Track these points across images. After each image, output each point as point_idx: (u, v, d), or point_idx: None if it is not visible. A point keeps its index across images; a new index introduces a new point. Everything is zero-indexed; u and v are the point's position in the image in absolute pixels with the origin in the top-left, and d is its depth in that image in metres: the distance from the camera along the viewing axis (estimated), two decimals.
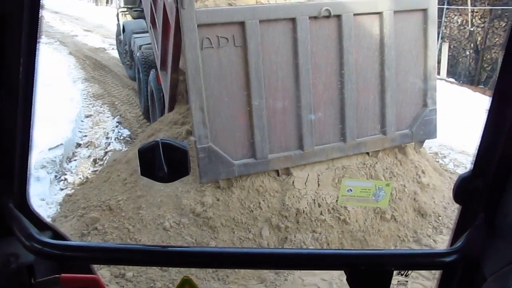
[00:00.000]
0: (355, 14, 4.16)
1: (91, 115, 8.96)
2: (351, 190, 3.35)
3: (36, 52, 1.06)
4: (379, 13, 4.27)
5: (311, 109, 4.14)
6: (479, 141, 1.05)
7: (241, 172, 4.07)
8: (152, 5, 5.73)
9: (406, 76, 4.53)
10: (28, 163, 1.21)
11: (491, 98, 0.99)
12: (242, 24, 3.81)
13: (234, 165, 3.99)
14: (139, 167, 1.32)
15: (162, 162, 1.24)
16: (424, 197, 4.65)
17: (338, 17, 4.10)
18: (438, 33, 7.65)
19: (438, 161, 6.15)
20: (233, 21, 3.83)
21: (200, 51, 3.71)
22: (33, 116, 1.15)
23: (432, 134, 4.79)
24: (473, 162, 1.09)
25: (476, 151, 1.07)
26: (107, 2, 27.51)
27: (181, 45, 4.27)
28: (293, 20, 3.95)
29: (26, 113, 1.12)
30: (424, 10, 4.45)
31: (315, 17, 4.03)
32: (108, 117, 8.86)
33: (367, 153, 4.53)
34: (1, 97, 1.08)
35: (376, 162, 4.56)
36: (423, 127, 4.64)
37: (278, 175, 4.27)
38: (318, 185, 4.28)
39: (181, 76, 5.02)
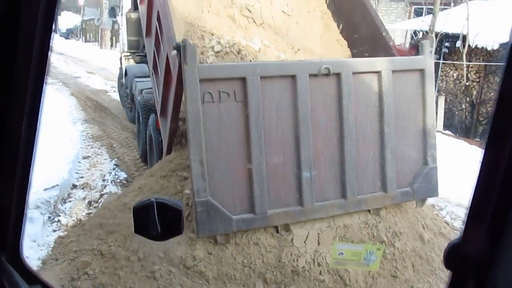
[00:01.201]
0: (354, 73, 4.25)
1: (89, 156, 8.95)
2: (342, 254, 3.33)
3: (43, 90, 1.07)
4: (378, 72, 4.37)
5: (311, 165, 4.12)
6: (469, 207, 1.04)
7: (239, 228, 3.99)
8: (155, 53, 5.87)
9: (405, 133, 4.57)
10: (24, 217, 1.21)
11: (479, 167, 1.00)
12: (243, 79, 3.88)
13: (232, 220, 3.92)
14: (133, 225, 1.32)
15: (156, 221, 1.25)
16: (425, 254, 4.60)
17: (338, 75, 4.18)
18: (435, 87, 7.83)
19: (436, 213, 6.13)
20: (234, 76, 3.90)
21: (201, 105, 3.74)
22: (31, 175, 1.16)
23: (433, 192, 4.77)
24: (463, 229, 1.08)
25: (466, 218, 1.06)
26: (111, 46, 28.16)
27: (181, 97, 4.33)
28: (293, 77, 4.03)
29: (24, 171, 1.13)
30: (421, 70, 4.56)
31: (315, 75, 4.11)
32: (105, 159, 8.85)
33: (369, 210, 4.49)
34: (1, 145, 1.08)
35: (379, 222, 4.50)
36: (424, 185, 4.62)
37: (277, 231, 4.19)
38: (319, 243, 4.19)
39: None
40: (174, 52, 4.01)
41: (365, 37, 5.56)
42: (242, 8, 5.68)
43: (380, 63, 4.44)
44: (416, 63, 4.60)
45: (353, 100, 4.25)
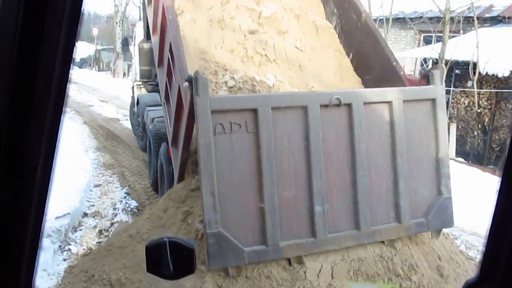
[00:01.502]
0: (365, 103, 4.25)
1: (100, 184, 8.99)
2: None
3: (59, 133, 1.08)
4: (389, 102, 4.37)
5: (324, 195, 4.08)
6: (485, 243, 1.00)
7: (251, 260, 3.91)
8: (167, 84, 5.93)
9: (418, 163, 4.52)
10: (38, 252, 1.20)
11: (496, 198, 0.97)
12: (254, 111, 3.89)
13: (244, 252, 3.86)
14: (145, 263, 1.30)
15: (168, 261, 1.25)
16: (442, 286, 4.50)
17: (349, 105, 4.18)
18: (446, 115, 7.80)
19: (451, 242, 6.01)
20: (245, 108, 3.92)
21: (213, 137, 3.75)
22: (47, 207, 1.16)
23: (448, 223, 4.67)
24: (480, 266, 1.03)
25: (482, 254, 1.02)
26: (124, 75, 28.65)
27: (193, 128, 4.35)
28: (304, 108, 4.04)
29: (40, 205, 1.13)
30: (433, 100, 4.55)
31: (326, 106, 4.12)
32: (116, 187, 8.88)
33: (383, 242, 4.40)
34: (16, 195, 1.08)
35: (395, 254, 4.39)
36: (439, 215, 4.55)
37: (290, 264, 4.11)
38: (332, 277, 4.10)
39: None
40: (186, 84, 4.04)
41: (375, 66, 5.59)
42: (256, 45, 5.77)
43: (391, 93, 4.43)
44: (427, 93, 4.59)
45: (364, 130, 4.23)
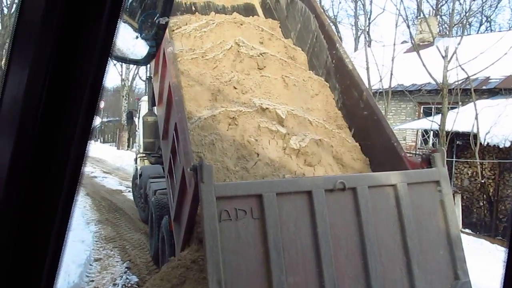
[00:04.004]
0: (369, 187, 4.24)
1: (100, 258, 8.80)
2: None
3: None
4: (393, 185, 4.36)
5: (335, 283, 3.91)
6: None
7: None
8: (171, 159, 5.92)
9: (430, 246, 4.41)
10: (59, 268, 1.14)
11: (503, 269, 0.93)
12: (259, 196, 3.85)
13: None
14: None
15: None
16: None
17: (353, 189, 4.16)
18: (451, 191, 7.72)
19: None
20: (250, 194, 3.89)
21: (218, 224, 3.68)
22: (66, 240, 1.11)
23: None
24: None
25: None
26: (128, 146, 28.97)
27: (196, 211, 4.33)
28: (309, 193, 4.01)
29: (59, 239, 1.08)
30: (437, 182, 4.55)
31: (331, 190, 4.10)
32: (117, 261, 8.69)
33: None
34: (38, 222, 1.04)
35: None
36: None
37: None
38: None
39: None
40: (190, 172, 4.05)
41: (377, 146, 5.62)
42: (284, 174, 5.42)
43: (395, 176, 4.43)
44: (430, 175, 4.60)
45: (371, 214, 4.17)
